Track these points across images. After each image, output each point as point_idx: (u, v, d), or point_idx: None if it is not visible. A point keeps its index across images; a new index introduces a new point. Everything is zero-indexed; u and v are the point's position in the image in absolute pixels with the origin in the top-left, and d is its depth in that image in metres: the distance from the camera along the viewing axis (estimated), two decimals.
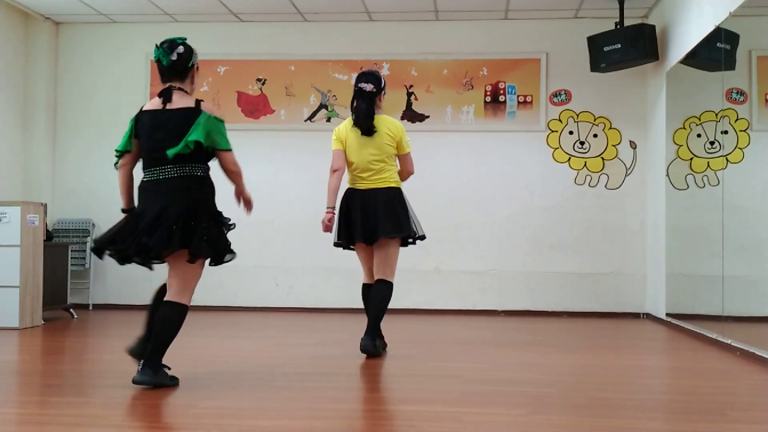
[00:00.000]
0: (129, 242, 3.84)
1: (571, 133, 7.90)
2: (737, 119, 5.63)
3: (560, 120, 7.91)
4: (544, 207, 7.86)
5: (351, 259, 8.18)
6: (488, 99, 7.92)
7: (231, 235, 4.07)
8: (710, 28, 5.74)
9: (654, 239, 7.42)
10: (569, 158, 7.89)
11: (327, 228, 4.97)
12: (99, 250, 3.95)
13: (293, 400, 3.71)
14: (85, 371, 4.72)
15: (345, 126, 5.09)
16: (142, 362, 3.84)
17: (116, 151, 4.08)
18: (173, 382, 3.93)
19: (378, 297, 4.95)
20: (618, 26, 7.24)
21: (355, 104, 5.03)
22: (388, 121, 5.08)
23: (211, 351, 5.28)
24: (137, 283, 8.15)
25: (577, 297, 7.79)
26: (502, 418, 3.39)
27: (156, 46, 4.00)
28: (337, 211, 5.00)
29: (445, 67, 7.97)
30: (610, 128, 7.88)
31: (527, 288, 7.87)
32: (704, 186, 6.22)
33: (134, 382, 3.80)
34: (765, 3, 5.19)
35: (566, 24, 7.90)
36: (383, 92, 5.09)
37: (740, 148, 5.62)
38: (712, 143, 6.06)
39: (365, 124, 4.96)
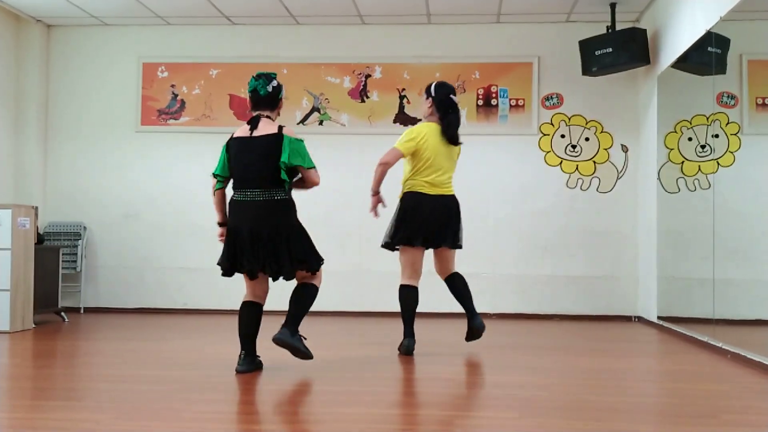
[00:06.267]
0: (238, 259, 4.40)
1: (563, 136, 7.92)
2: (728, 123, 5.65)
3: (552, 123, 7.93)
4: (536, 210, 7.87)
5: (344, 262, 8.20)
6: (480, 102, 7.93)
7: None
8: (701, 33, 5.77)
9: (645, 242, 7.45)
10: (561, 162, 7.91)
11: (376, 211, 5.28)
12: (228, 272, 4.51)
13: (284, 404, 3.71)
14: (76, 375, 4.70)
15: (429, 130, 5.23)
16: (282, 326, 4.42)
17: (216, 175, 4.54)
18: (308, 352, 4.46)
19: (464, 284, 5.40)
20: (609, 30, 7.27)
21: (448, 117, 5.26)
22: None
23: (204, 355, 5.27)
24: (129, 286, 8.15)
25: (569, 300, 7.80)
26: (494, 422, 3.39)
27: (253, 77, 4.49)
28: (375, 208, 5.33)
29: (437, 71, 7.97)
30: (602, 132, 7.90)
31: (519, 291, 7.88)
32: (695, 189, 6.24)
33: (274, 339, 4.40)
34: (755, 7, 5.21)
35: (558, 28, 7.92)
36: None
37: (731, 152, 5.65)
38: (703, 147, 6.09)
39: (457, 135, 5.27)
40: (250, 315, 4.49)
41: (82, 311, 8.03)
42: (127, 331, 6.60)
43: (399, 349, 5.27)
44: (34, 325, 6.59)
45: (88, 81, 8.30)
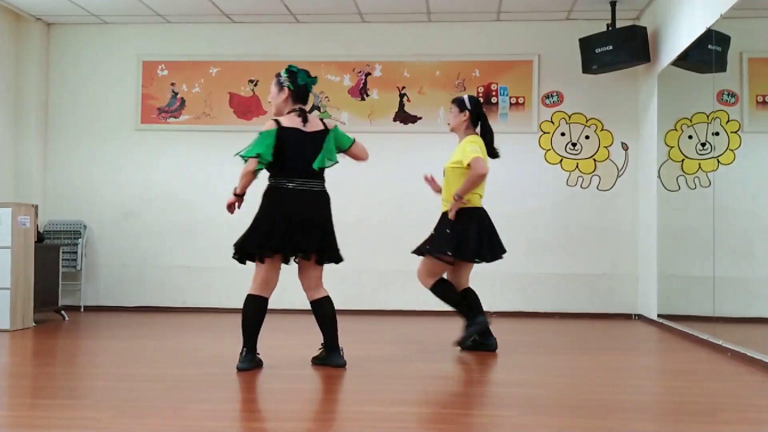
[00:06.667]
0: (288, 242, 4.45)
1: (563, 134, 7.91)
2: (728, 121, 5.65)
3: (552, 122, 7.92)
4: (536, 208, 7.87)
5: (344, 262, 8.16)
6: (480, 100, 7.88)
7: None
8: (701, 30, 5.77)
9: (646, 240, 7.44)
10: (561, 160, 7.90)
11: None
12: (262, 256, 4.48)
13: (285, 402, 3.71)
14: (76, 373, 4.70)
15: (482, 143, 5.27)
16: (330, 350, 4.58)
17: (260, 156, 4.45)
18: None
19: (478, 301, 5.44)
20: (610, 28, 7.26)
21: (488, 135, 5.31)
22: None
23: (203, 353, 5.27)
24: (128, 285, 8.15)
25: (569, 298, 7.80)
26: (495, 420, 3.39)
27: (304, 73, 4.61)
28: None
29: (437, 69, 7.97)
30: (602, 130, 7.90)
31: (520, 289, 7.87)
32: (695, 187, 6.24)
33: (339, 365, 4.52)
34: (755, 5, 5.21)
35: (558, 25, 7.92)
36: None
37: (731, 150, 5.64)
38: (703, 145, 6.08)
39: (495, 151, 5.34)
40: (258, 310, 4.49)
41: (82, 309, 8.03)
42: (126, 329, 6.60)
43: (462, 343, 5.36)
44: (34, 324, 6.59)
45: (88, 79, 8.30)
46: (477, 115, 5.36)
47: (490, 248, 5.27)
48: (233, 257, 4.54)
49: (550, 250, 7.85)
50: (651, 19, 7.32)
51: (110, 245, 8.17)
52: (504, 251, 5.38)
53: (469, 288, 5.42)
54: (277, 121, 4.51)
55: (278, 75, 4.64)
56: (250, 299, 4.50)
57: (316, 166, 4.50)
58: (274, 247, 4.43)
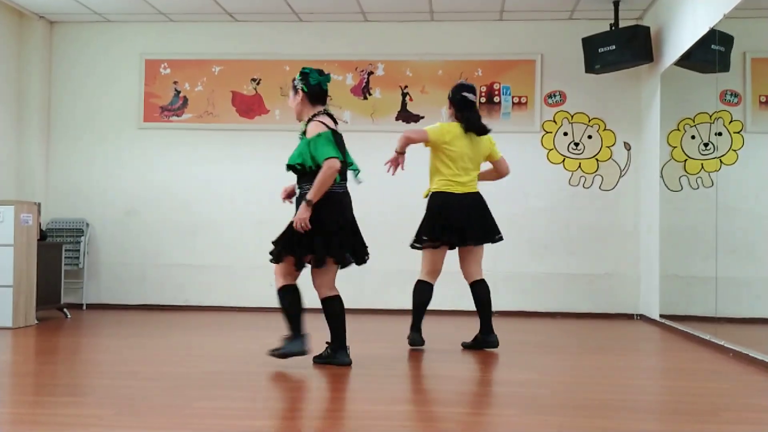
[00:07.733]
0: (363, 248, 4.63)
1: (565, 134, 7.91)
2: (731, 121, 5.64)
3: (555, 121, 7.92)
4: (539, 208, 7.87)
5: None
6: (483, 100, 7.92)
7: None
8: (704, 30, 5.76)
9: (648, 240, 7.44)
10: (564, 159, 7.90)
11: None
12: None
13: (287, 401, 3.71)
14: (78, 371, 4.71)
15: (454, 129, 5.31)
16: (337, 347, 4.54)
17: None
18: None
19: (488, 295, 5.39)
20: (613, 27, 7.26)
21: (464, 113, 5.34)
22: None
23: (205, 351, 5.27)
24: (131, 283, 8.16)
25: (571, 298, 7.80)
26: (496, 419, 3.39)
27: (316, 72, 4.60)
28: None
29: (440, 68, 7.97)
30: (605, 129, 7.89)
31: (521, 289, 7.87)
32: (698, 187, 6.24)
33: (345, 364, 4.49)
34: (759, 5, 5.20)
35: (561, 25, 7.91)
36: None
37: (734, 150, 5.64)
38: (706, 145, 6.08)
39: (481, 126, 5.34)
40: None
41: (84, 307, 8.04)
42: (128, 327, 6.61)
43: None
44: (36, 322, 6.60)
45: (90, 78, 8.30)
46: (457, 101, 5.40)
47: (440, 234, 5.34)
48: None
49: (551, 249, 7.85)
50: (654, 19, 7.31)
51: (112, 243, 8.17)
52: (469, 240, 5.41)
53: (482, 281, 5.44)
54: (324, 124, 4.47)
55: (293, 79, 4.65)
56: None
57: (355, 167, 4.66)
58: (341, 252, 4.51)
